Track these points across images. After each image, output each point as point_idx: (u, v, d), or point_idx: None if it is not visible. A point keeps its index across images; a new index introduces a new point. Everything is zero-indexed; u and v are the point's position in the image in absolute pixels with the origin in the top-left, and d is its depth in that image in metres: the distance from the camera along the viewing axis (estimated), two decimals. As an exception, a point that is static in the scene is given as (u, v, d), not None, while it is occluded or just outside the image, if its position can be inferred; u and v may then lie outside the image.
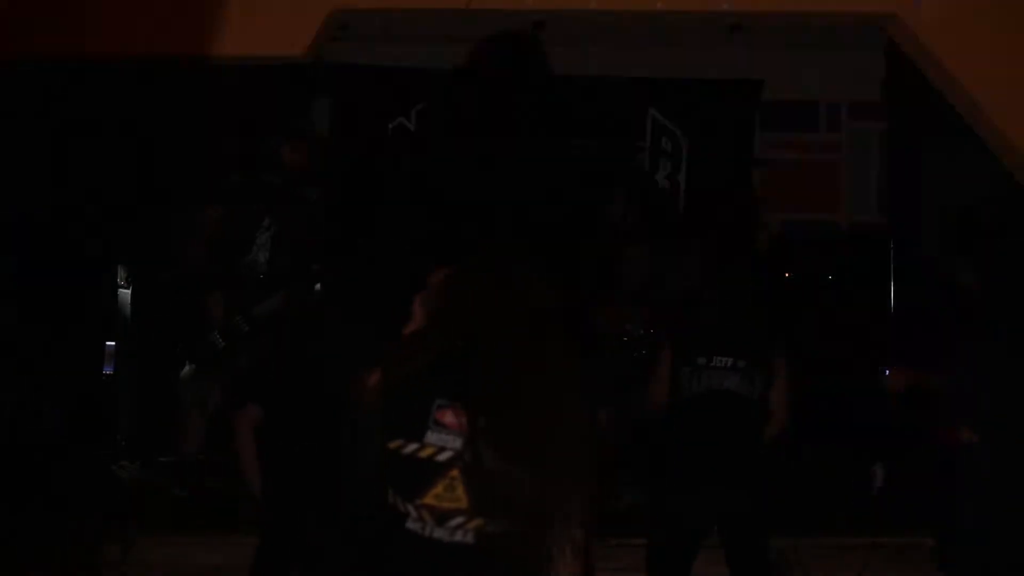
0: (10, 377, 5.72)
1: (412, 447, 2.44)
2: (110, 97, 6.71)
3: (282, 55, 5.60)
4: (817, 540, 4.91)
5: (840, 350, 7.20)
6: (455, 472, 2.45)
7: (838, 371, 7.20)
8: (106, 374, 6.66)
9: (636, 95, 7.90)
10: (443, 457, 2.44)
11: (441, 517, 2.44)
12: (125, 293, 6.77)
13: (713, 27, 7.33)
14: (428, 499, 2.44)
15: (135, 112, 6.97)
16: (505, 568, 2.45)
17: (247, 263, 5.40)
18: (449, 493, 2.46)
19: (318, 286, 5.07)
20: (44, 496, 5.14)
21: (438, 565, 2.45)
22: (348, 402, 2.66)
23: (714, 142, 7.89)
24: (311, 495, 3.99)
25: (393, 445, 2.46)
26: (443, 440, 2.44)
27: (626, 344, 6.15)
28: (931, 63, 5.36)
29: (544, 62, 4.27)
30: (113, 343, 6.70)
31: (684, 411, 4.24)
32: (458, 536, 2.44)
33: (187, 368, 5.62)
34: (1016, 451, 3.29)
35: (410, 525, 2.45)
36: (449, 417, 2.45)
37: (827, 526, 5.09)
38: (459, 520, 2.44)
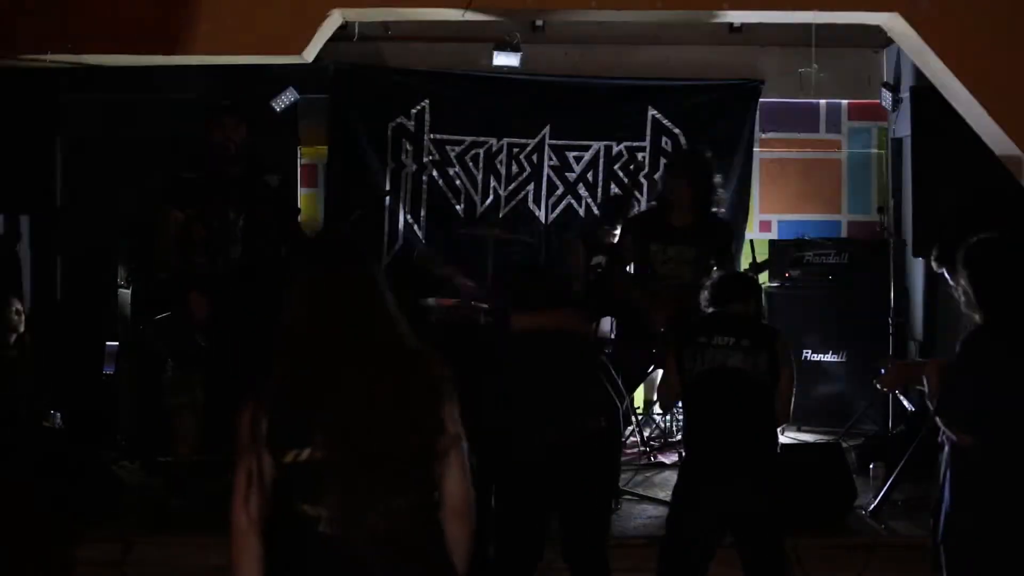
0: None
1: (307, 452, 2.49)
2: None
3: (282, 55, 5.59)
4: (817, 540, 4.90)
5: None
6: None
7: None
8: (106, 374, 6.67)
9: (636, 95, 7.90)
10: None
11: None
12: (125, 293, 6.76)
13: (713, 27, 7.34)
14: None
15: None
16: (418, 555, 2.51)
17: (225, 259, 5.36)
18: None
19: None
20: (44, 495, 5.14)
21: (358, 562, 2.48)
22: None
23: (714, 142, 7.89)
24: None
25: (288, 458, 2.49)
26: None
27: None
28: (931, 63, 5.36)
29: None
30: (115, 343, 6.71)
31: (689, 391, 4.22)
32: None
33: (173, 371, 5.57)
34: (1014, 454, 3.27)
35: (323, 529, 2.49)
36: None
37: (827, 526, 5.08)
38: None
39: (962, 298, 3.42)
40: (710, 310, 4.37)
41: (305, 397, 2.51)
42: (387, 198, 7.76)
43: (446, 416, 2.58)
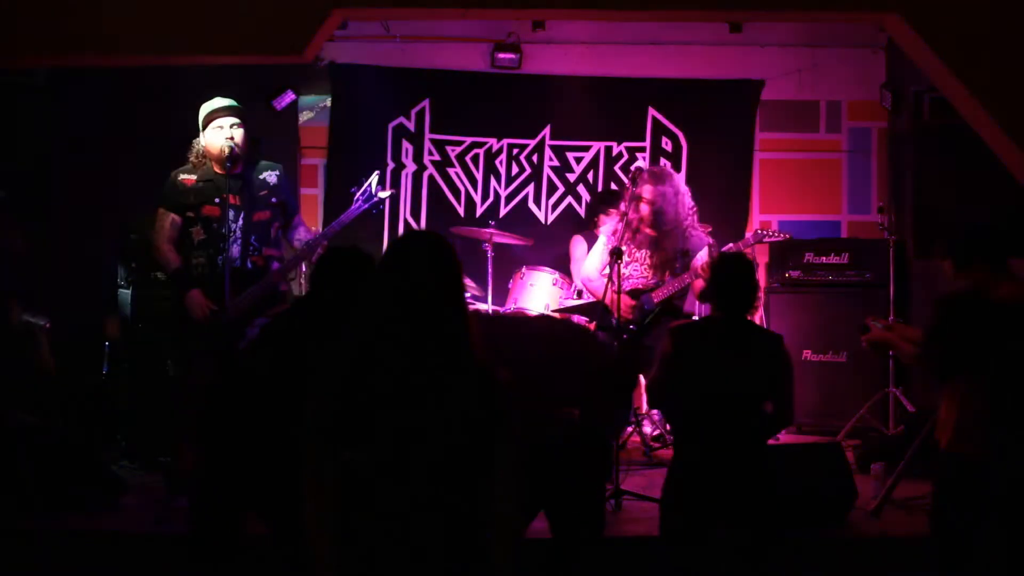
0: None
1: (359, 452, 2.52)
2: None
3: (282, 55, 5.59)
4: (817, 539, 4.90)
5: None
6: None
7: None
8: (106, 374, 6.66)
9: (636, 95, 7.91)
10: None
11: None
12: (125, 293, 6.76)
13: (713, 27, 7.34)
14: None
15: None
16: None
17: (226, 258, 5.35)
18: None
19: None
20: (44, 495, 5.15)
21: (392, 567, 2.50)
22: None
23: (714, 142, 7.90)
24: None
25: (344, 456, 2.52)
26: None
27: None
28: (931, 63, 5.36)
29: None
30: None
31: (689, 400, 4.20)
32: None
33: (174, 370, 5.56)
34: None
35: (362, 527, 2.52)
36: None
37: (828, 525, 5.08)
38: None
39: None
40: (716, 313, 4.34)
41: (362, 397, 2.51)
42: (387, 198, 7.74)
43: (505, 429, 2.58)
